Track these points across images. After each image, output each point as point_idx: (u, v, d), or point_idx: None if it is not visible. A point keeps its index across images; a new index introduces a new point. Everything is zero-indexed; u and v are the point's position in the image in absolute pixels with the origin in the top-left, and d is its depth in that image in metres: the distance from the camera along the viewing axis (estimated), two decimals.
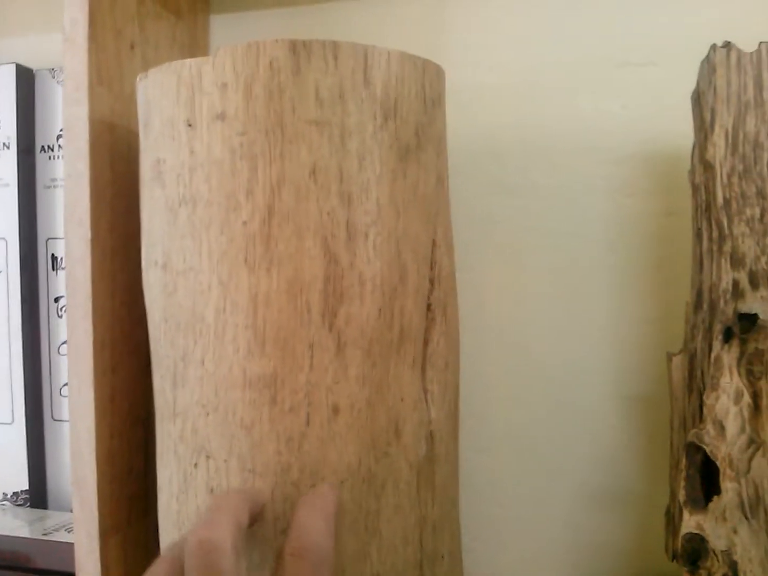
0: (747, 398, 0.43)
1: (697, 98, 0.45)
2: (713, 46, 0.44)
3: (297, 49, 0.36)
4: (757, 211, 0.43)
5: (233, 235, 0.37)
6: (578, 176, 0.54)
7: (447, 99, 0.53)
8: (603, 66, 0.53)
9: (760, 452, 0.42)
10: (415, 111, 0.40)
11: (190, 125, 0.37)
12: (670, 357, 0.47)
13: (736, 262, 0.43)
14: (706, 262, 0.45)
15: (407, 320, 0.40)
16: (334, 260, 0.37)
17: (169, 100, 0.38)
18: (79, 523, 0.47)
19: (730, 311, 0.43)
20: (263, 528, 0.37)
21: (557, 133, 0.54)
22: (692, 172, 0.46)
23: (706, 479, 0.45)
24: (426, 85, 0.41)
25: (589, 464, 0.55)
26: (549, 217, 0.55)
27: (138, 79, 0.40)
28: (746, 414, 0.43)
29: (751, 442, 0.42)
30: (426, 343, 0.43)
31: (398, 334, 0.40)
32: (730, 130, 0.44)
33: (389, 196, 0.39)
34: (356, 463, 0.38)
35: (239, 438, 0.37)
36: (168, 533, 0.42)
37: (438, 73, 0.42)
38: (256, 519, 0.36)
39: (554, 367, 0.55)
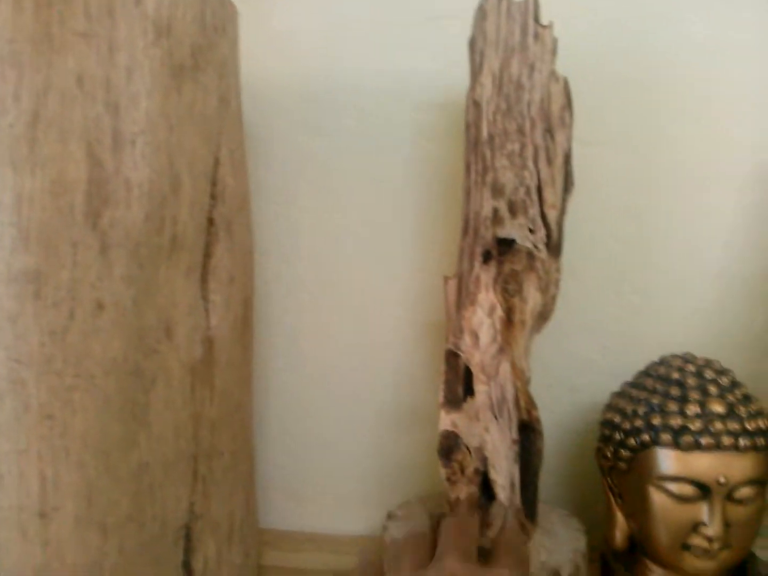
0: (500, 312, 0.48)
1: (472, 43, 0.50)
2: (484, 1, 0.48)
3: None
4: (517, 146, 0.48)
5: (0, 137, 0.39)
6: (385, 121, 0.58)
7: (268, 43, 0.56)
8: (411, 19, 0.57)
9: (506, 358, 0.47)
10: (191, 33, 0.43)
11: None
12: (445, 280, 0.52)
13: (497, 192, 0.48)
14: (472, 193, 0.50)
15: (180, 230, 0.43)
16: (98, 165, 0.39)
17: None
18: None
19: (489, 236, 0.48)
20: None
21: (366, 80, 0.58)
22: (466, 111, 0.50)
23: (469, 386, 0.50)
24: (206, 12, 0.43)
25: (389, 387, 0.60)
26: (358, 158, 0.58)
27: None
28: (498, 326, 0.48)
29: (500, 350, 0.48)
30: (208, 256, 0.46)
31: (169, 242, 0.43)
32: (496, 72, 0.48)
33: (160, 110, 0.41)
34: (122, 357, 0.41)
35: (5, 329, 0.40)
36: None
37: (222, 3, 0.45)
38: None
39: (359, 297, 0.59)
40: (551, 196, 0.48)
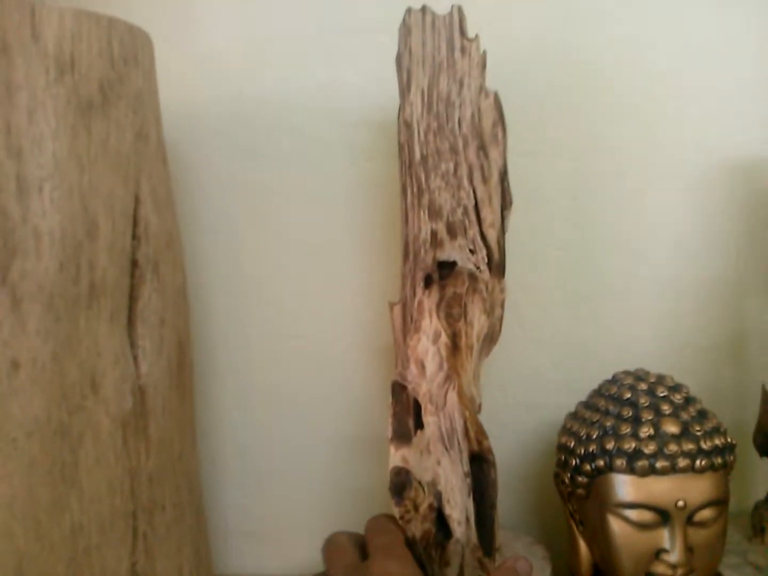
0: (444, 338, 0.46)
1: (398, 60, 0.48)
2: (408, 10, 0.46)
3: None
4: (451, 165, 0.46)
5: None
6: (321, 141, 0.56)
7: (190, 65, 0.54)
8: (334, 33, 0.55)
9: (452, 386, 0.45)
10: (98, 67, 0.40)
11: None
12: (391, 306, 0.50)
13: (434, 213, 0.46)
14: (410, 216, 0.48)
15: (99, 275, 0.41)
16: (3, 214, 0.37)
17: None
18: None
19: (429, 259, 0.46)
20: None
21: (298, 100, 0.56)
22: (398, 131, 0.48)
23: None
24: (114, 43, 0.41)
25: (343, 413, 0.57)
26: (296, 181, 0.56)
27: None
28: (444, 353, 0.46)
29: (447, 378, 0.46)
30: (135, 299, 0.44)
31: (88, 290, 0.40)
32: (425, 89, 0.46)
33: (69, 151, 0.39)
34: (45, 416, 0.39)
35: None
36: None
37: (132, 32, 0.42)
38: None
39: (308, 323, 0.57)
40: (489, 215, 0.46)
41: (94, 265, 0.40)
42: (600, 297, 0.56)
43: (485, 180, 0.46)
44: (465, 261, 0.46)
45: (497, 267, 0.47)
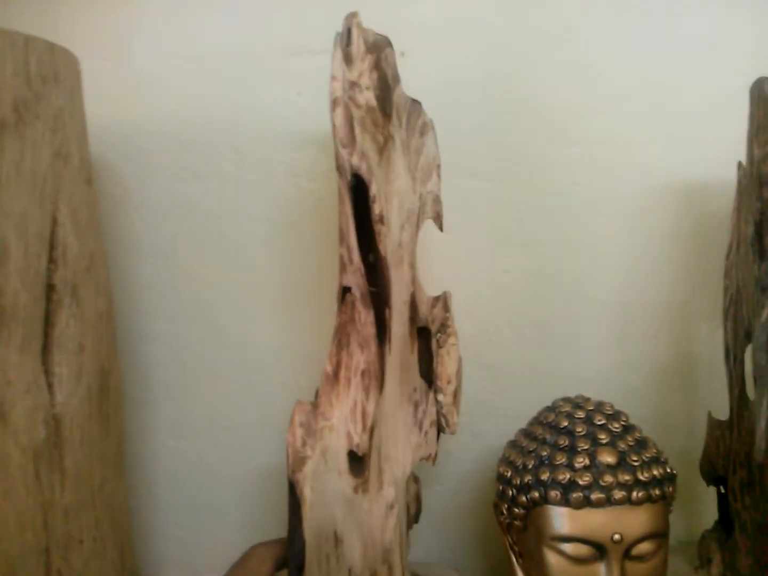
0: (327, 365, 0.43)
1: None
2: (337, 34, 0.45)
3: None
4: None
5: None
6: (262, 162, 0.55)
7: (129, 86, 0.52)
8: (277, 54, 0.54)
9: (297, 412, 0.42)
10: (12, 86, 0.39)
11: None
12: None
13: (341, 236, 0.43)
14: None
15: (9, 301, 0.39)
16: None
17: None
18: None
19: (337, 284, 0.44)
20: None
21: (239, 120, 0.54)
22: None
23: None
24: (31, 62, 0.40)
25: (281, 443, 0.55)
26: (235, 203, 0.55)
27: None
28: (322, 379, 0.42)
29: (311, 405, 0.43)
30: (51, 325, 0.42)
31: None
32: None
33: None
34: None
35: None
36: None
37: (52, 51, 0.41)
38: None
39: (245, 349, 0.55)
40: (348, 237, 0.43)
41: (4, 291, 0.39)
42: (546, 320, 0.54)
43: (341, 200, 0.43)
44: (356, 287, 0.43)
45: (363, 297, 0.43)
